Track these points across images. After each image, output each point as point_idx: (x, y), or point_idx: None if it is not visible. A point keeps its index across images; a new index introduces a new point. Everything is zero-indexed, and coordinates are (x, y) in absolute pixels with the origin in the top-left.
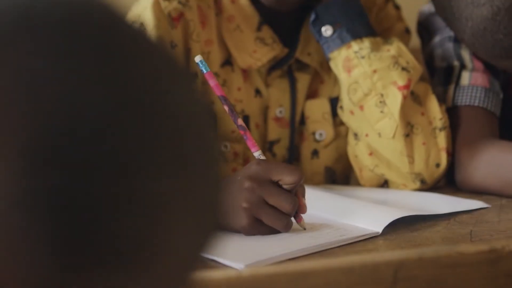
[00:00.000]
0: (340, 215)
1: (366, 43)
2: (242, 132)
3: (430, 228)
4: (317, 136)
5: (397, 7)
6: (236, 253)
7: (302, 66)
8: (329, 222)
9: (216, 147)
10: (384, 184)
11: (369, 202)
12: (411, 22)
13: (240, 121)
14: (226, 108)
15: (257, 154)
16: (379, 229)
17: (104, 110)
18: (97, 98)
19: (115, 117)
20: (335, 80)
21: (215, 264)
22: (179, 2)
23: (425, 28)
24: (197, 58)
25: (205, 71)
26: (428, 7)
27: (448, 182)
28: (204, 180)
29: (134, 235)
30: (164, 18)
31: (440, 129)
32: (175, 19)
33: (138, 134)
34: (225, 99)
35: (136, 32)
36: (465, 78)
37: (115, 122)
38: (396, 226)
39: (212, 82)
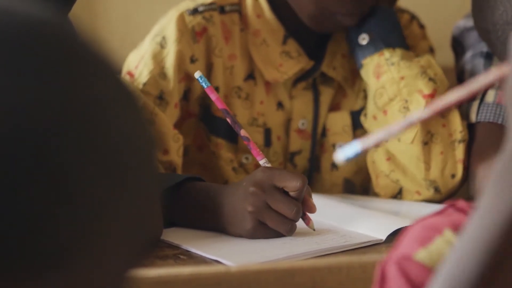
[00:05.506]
0: (346, 222)
1: (397, 52)
2: (246, 142)
3: None
4: (337, 148)
5: (421, 26)
6: (240, 255)
7: (327, 80)
8: (335, 228)
9: (153, 166)
10: (398, 194)
11: (376, 211)
12: (438, 39)
13: (243, 132)
14: (228, 120)
15: (263, 162)
16: (383, 236)
17: (43, 119)
18: (36, 107)
19: (53, 126)
20: (357, 94)
21: (209, 261)
22: (203, 17)
23: (459, 43)
24: (197, 74)
25: (205, 86)
26: (463, 22)
27: None
28: (140, 197)
29: (62, 240)
30: (187, 32)
31: (459, 142)
32: (198, 33)
33: (76, 144)
34: (227, 112)
35: (87, 51)
36: (491, 95)
37: (53, 131)
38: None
39: (213, 96)
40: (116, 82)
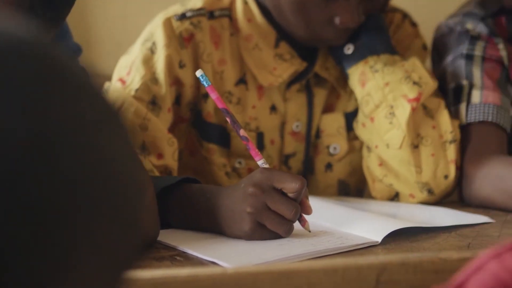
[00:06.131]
0: (342, 224)
1: (382, 58)
2: (244, 142)
3: (430, 240)
4: (331, 150)
5: (413, 24)
6: (236, 256)
7: (320, 81)
8: (331, 230)
9: (140, 184)
10: (395, 197)
11: (372, 213)
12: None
13: (242, 132)
14: (228, 119)
15: (261, 162)
16: (378, 238)
17: (23, 146)
18: (17, 133)
19: (33, 155)
20: (350, 95)
21: (205, 262)
22: (191, 23)
23: (439, 46)
24: (198, 73)
25: (206, 85)
26: (445, 24)
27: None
28: (127, 214)
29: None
30: (175, 37)
31: (450, 142)
32: (185, 39)
33: (56, 174)
34: (227, 111)
35: (69, 71)
36: (476, 96)
37: (32, 159)
38: (397, 236)
39: (213, 95)
40: (99, 102)
